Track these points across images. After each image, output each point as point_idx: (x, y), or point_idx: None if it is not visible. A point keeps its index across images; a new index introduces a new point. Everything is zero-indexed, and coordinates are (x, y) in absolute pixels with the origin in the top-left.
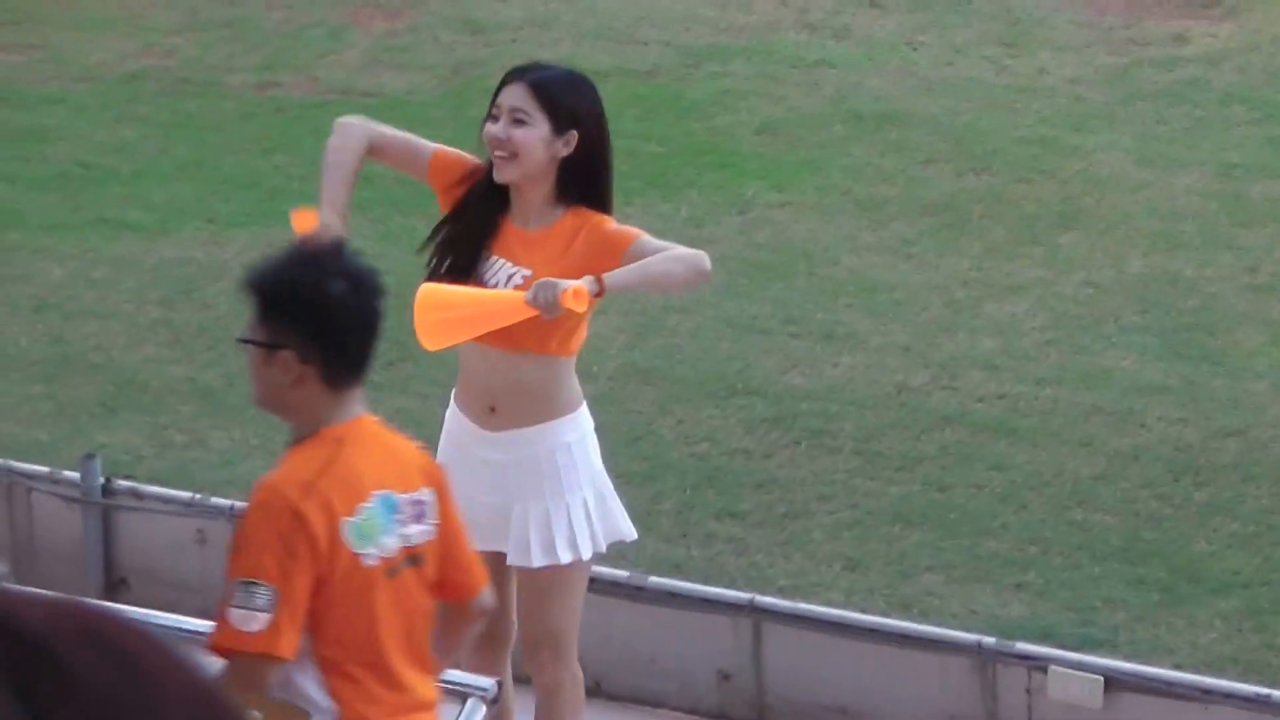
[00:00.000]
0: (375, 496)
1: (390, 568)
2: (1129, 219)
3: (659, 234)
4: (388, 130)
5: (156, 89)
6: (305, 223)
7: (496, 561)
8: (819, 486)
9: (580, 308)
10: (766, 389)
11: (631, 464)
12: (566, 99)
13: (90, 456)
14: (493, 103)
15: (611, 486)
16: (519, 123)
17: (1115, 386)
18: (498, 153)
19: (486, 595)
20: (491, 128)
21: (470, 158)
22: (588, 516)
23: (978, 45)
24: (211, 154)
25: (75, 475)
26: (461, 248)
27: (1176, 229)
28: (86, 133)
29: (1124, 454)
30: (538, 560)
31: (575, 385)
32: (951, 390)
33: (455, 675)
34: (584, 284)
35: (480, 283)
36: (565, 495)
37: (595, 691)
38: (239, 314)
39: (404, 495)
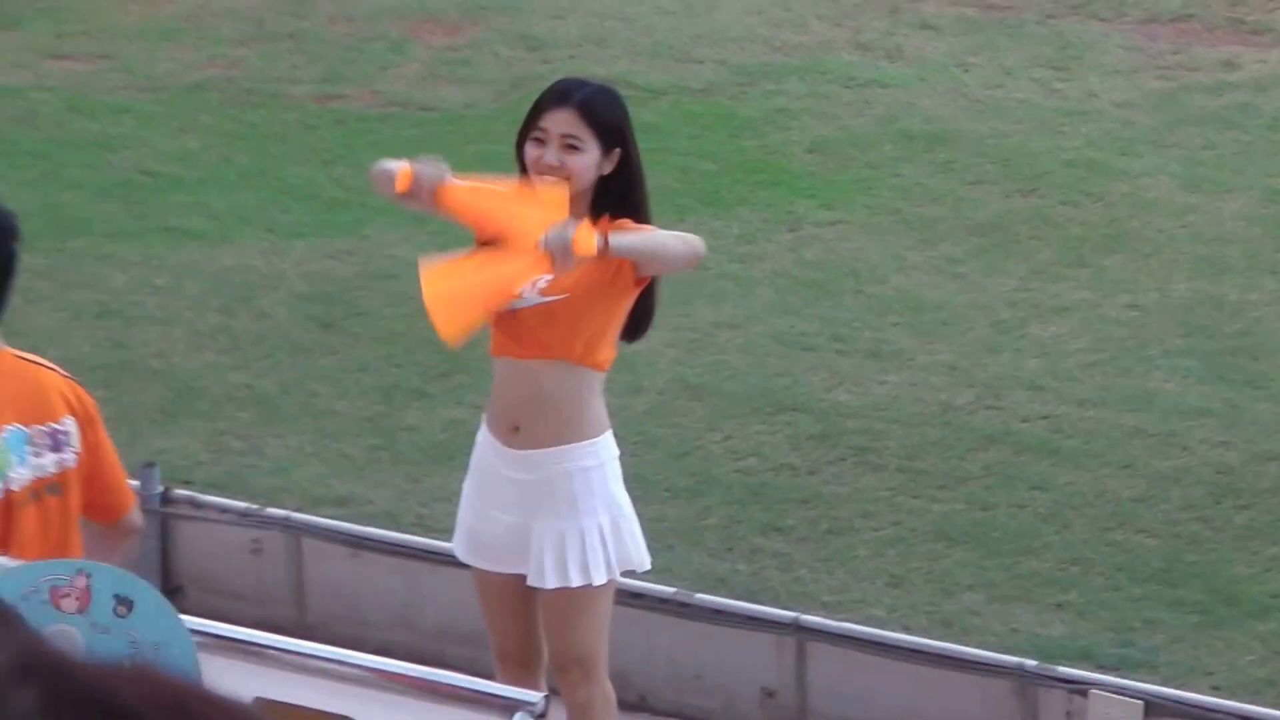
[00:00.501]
0: (5, 430)
1: (24, 497)
2: (1174, 242)
3: (710, 250)
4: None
5: (220, 99)
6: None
7: (518, 584)
8: (863, 503)
9: (590, 249)
10: (813, 406)
11: (679, 479)
12: (611, 119)
13: (150, 465)
14: (534, 125)
15: (632, 514)
16: (572, 149)
17: (1158, 409)
18: (549, 178)
19: (135, 514)
20: (542, 154)
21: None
22: (602, 542)
23: (1028, 68)
24: (273, 164)
25: (135, 484)
26: None
27: (1221, 253)
28: (151, 141)
29: (1165, 476)
30: (550, 582)
31: (601, 410)
32: (996, 410)
33: (502, 689)
34: (587, 242)
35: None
36: (580, 519)
37: (640, 706)
38: (297, 323)
39: (39, 427)
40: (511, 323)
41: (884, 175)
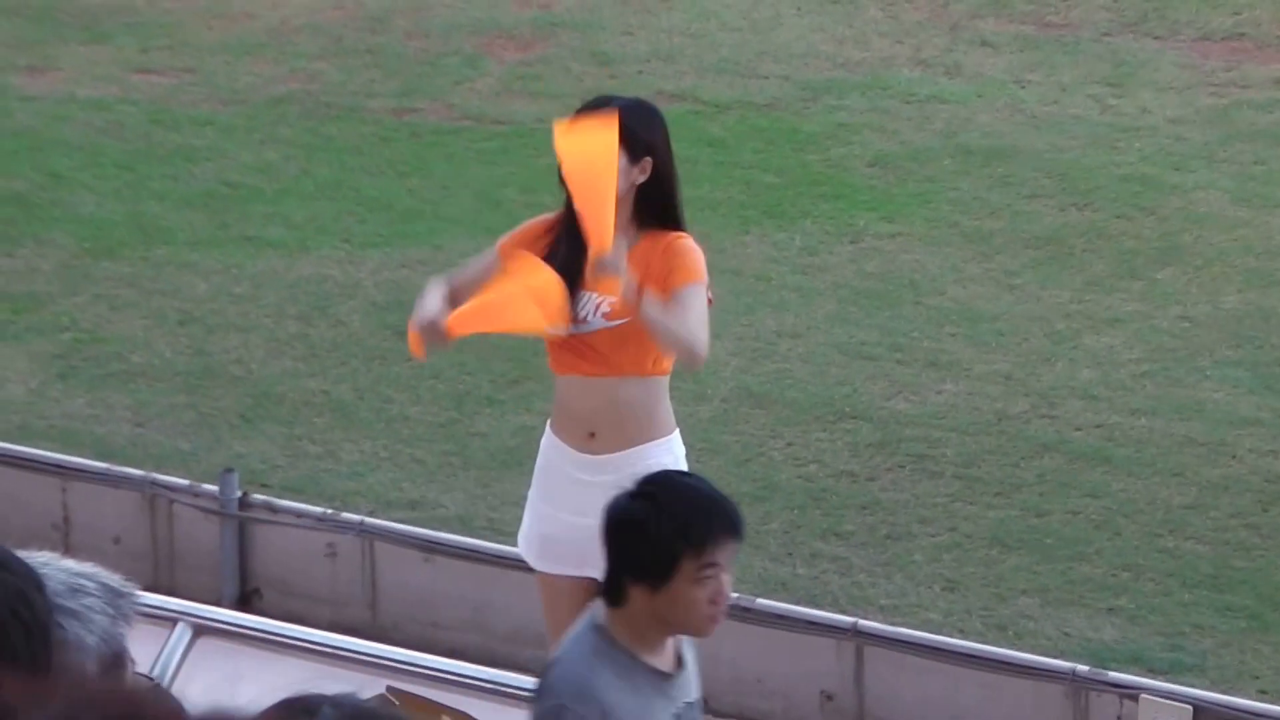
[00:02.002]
0: None
1: None
2: (1225, 256)
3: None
4: (454, 277)
5: (300, 112)
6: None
7: (587, 587)
8: (920, 509)
9: (615, 292)
10: (872, 413)
11: (742, 484)
12: (640, 128)
13: (229, 471)
14: None
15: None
16: None
17: (1208, 418)
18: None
19: None
20: None
21: (534, 221)
22: None
23: (1083, 85)
24: (350, 176)
25: (214, 489)
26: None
27: (1272, 266)
28: (233, 153)
29: (1215, 484)
30: None
31: (670, 409)
32: (1050, 419)
33: None
34: (627, 286)
35: (574, 315)
36: None
37: (703, 709)
38: (372, 331)
39: None
40: (577, 345)
41: (943, 189)
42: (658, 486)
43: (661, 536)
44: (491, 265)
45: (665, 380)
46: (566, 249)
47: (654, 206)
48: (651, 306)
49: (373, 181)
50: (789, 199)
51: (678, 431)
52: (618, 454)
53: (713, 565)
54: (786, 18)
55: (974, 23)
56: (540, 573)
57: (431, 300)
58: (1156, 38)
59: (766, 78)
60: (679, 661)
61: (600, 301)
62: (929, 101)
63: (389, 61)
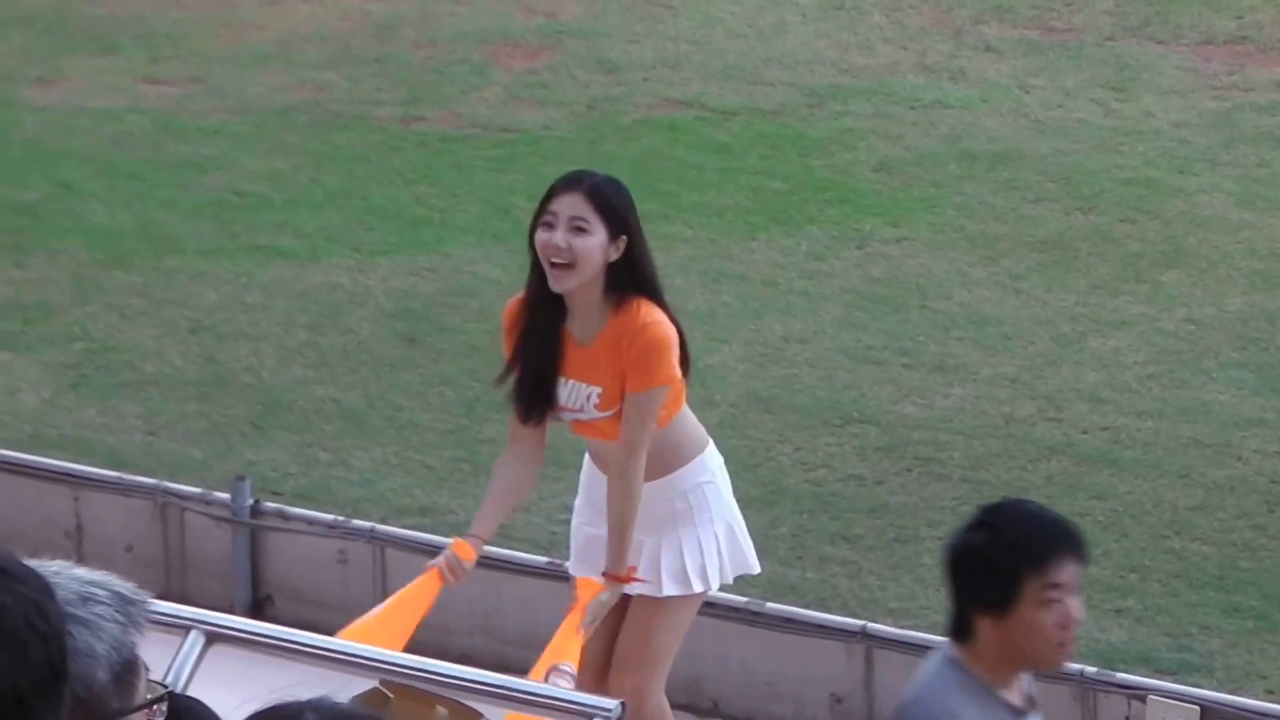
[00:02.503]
0: None
1: None
2: (1229, 258)
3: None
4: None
5: (308, 121)
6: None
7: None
8: (929, 512)
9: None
10: (880, 418)
11: (751, 489)
12: (617, 205)
13: (241, 479)
14: (545, 210)
15: (742, 521)
16: (579, 230)
17: (1214, 420)
18: (555, 260)
19: None
20: (550, 236)
21: (507, 308)
22: (718, 550)
23: (1087, 89)
24: (358, 184)
25: (226, 496)
26: (539, 388)
27: (1276, 268)
28: (242, 162)
29: (1221, 485)
30: (668, 589)
31: (697, 430)
32: (1057, 421)
33: (580, 697)
34: (605, 595)
35: (561, 406)
36: (698, 529)
37: (713, 712)
38: (382, 338)
39: None
40: (586, 426)
41: (948, 194)
42: (994, 513)
43: (1002, 560)
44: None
45: (679, 416)
46: (542, 337)
47: (624, 281)
48: (615, 563)
49: (381, 190)
50: (795, 204)
51: (711, 445)
52: (654, 483)
53: (1056, 586)
54: (791, 25)
55: (977, 28)
56: (575, 577)
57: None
58: (1159, 42)
59: (772, 84)
60: (1031, 702)
61: (590, 393)
62: (933, 107)
63: (396, 71)
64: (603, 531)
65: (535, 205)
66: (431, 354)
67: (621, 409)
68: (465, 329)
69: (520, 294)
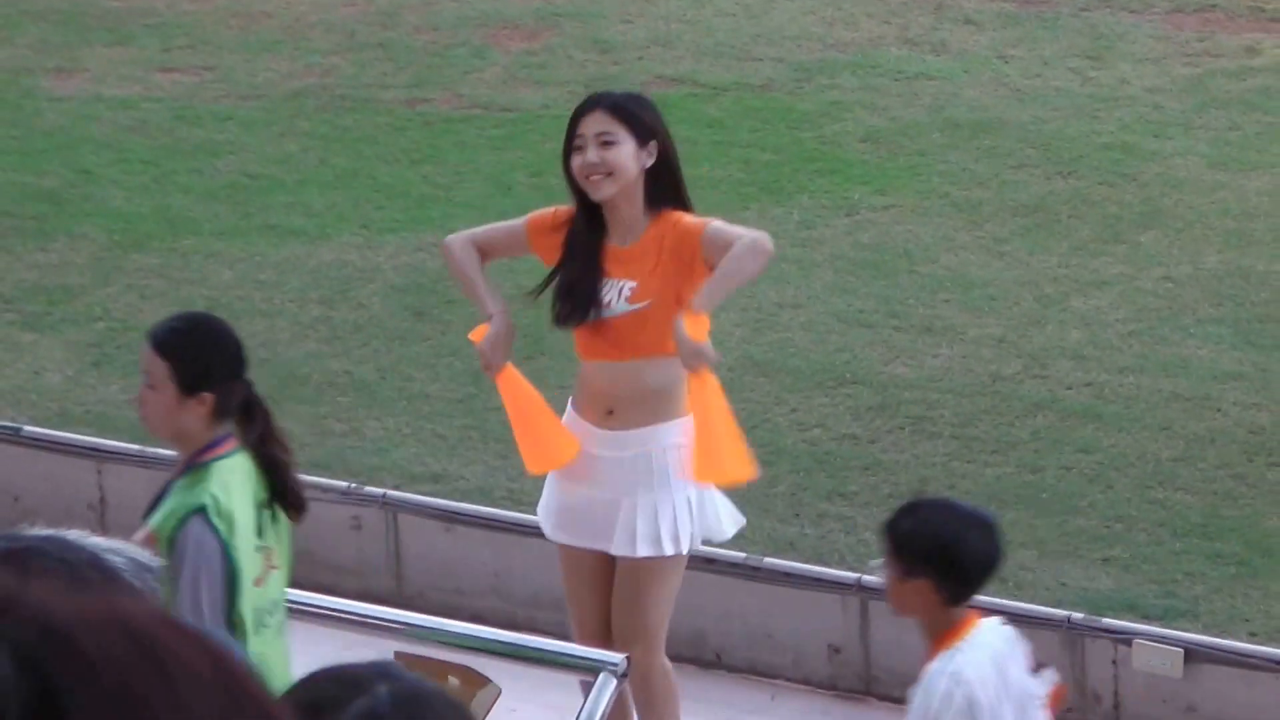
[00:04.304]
0: None
1: None
2: (1204, 218)
3: (773, 236)
4: (482, 230)
5: (316, 105)
6: (479, 332)
7: (603, 560)
8: (920, 469)
9: (704, 334)
10: (872, 378)
11: (749, 449)
12: (641, 114)
13: None
14: (573, 134)
15: (716, 489)
16: (608, 144)
17: (1193, 374)
18: (593, 176)
19: None
20: (582, 157)
21: (561, 208)
22: (690, 514)
23: (1064, 58)
24: (366, 165)
25: None
26: (583, 285)
27: (1249, 227)
28: (253, 146)
29: (1202, 437)
30: (642, 550)
31: (685, 394)
32: (1042, 379)
33: (587, 651)
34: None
35: (599, 302)
36: (672, 492)
37: (716, 664)
38: (392, 313)
39: None
40: (604, 330)
41: (933, 162)
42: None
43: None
44: (520, 239)
45: (677, 367)
46: (584, 246)
47: (664, 188)
48: (705, 302)
49: (388, 169)
50: (786, 176)
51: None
52: (635, 430)
53: None
54: (779, 2)
55: (957, 1)
56: (559, 545)
57: (484, 295)
58: (1132, 11)
59: (761, 60)
60: None
61: (622, 286)
62: (917, 78)
63: (400, 54)
64: (572, 503)
65: (535, 182)
66: (439, 326)
67: (654, 308)
68: (471, 302)
69: (551, 209)
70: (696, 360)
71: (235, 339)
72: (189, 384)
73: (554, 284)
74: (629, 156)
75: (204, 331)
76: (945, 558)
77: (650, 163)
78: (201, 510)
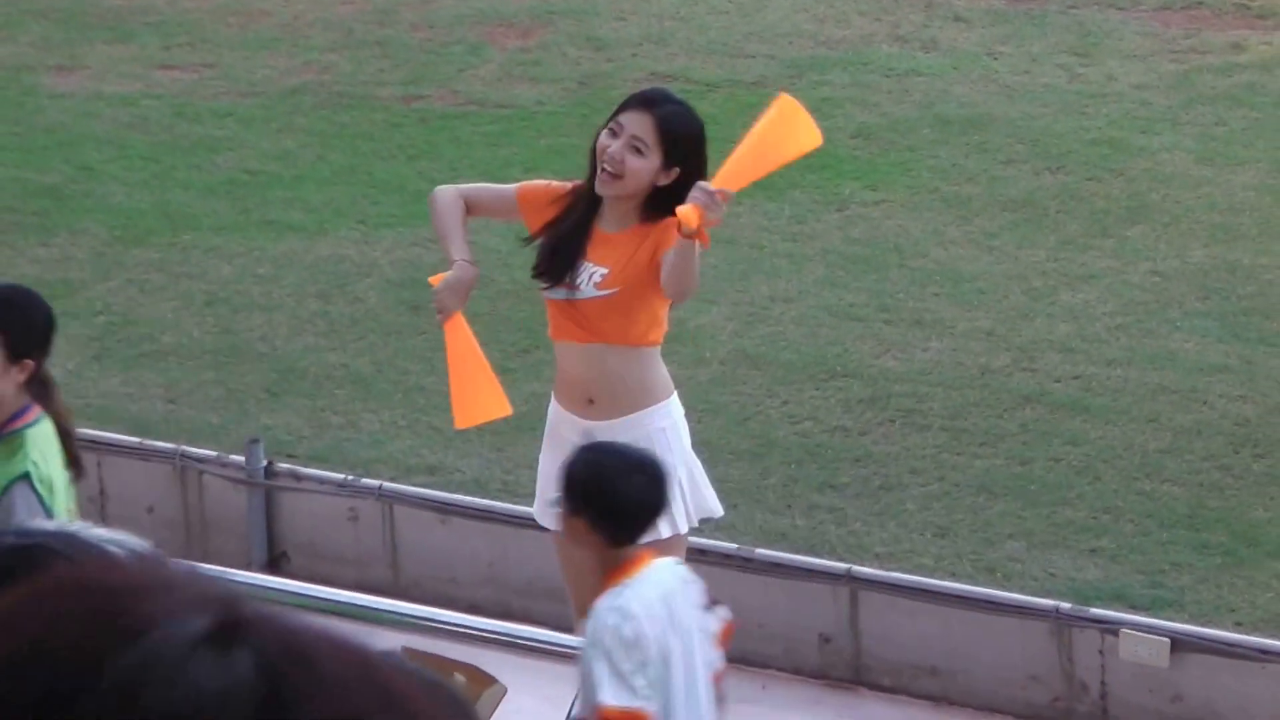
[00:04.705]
0: None
1: None
2: (1191, 213)
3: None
4: (472, 186)
5: (314, 102)
6: (439, 277)
7: None
8: (911, 461)
9: (693, 224)
10: (862, 371)
11: (741, 442)
12: (681, 140)
13: (255, 441)
14: (615, 117)
15: (701, 468)
16: (636, 151)
17: (1180, 367)
18: (606, 167)
19: None
20: (609, 143)
21: (555, 183)
22: (682, 495)
23: (1052, 55)
24: (363, 161)
25: (241, 459)
26: (565, 252)
27: (1235, 221)
28: (252, 142)
29: (1188, 429)
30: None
31: (665, 376)
32: (1030, 372)
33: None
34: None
35: (572, 285)
36: None
37: None
38: (388, 307)
39: None
40: (572, 312)
41: (923, 157)
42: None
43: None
44: (509, 203)
45: (654, 350)
46: (577, 218)
47: (660, 206)
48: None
49: (385, 165)
50: (778, 171)
51: (675, 395)
52: (616, 420)
53: None
54: (771, 0)
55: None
56: (553, 533)
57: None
58: (1119, 9)
59: (753, 57)
60: None
61: (594, 272)
62: (907, 75)
63: (397, 52)
64: None
65: (530, 177)
66: (435, 320)
67: (620, 296)
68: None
69: (545, 181)
70: (710, 202)
71: (49, 308)
72: (18, 351)
73: (545, 240)
74: (647, 171)
75: (28, 300)
76: (602, 501)
77: (666, 184)
78: (26, 477)
